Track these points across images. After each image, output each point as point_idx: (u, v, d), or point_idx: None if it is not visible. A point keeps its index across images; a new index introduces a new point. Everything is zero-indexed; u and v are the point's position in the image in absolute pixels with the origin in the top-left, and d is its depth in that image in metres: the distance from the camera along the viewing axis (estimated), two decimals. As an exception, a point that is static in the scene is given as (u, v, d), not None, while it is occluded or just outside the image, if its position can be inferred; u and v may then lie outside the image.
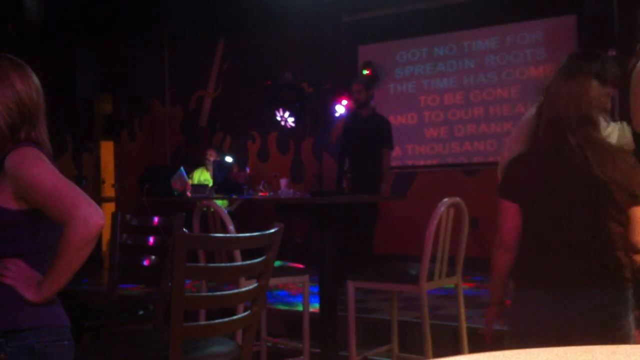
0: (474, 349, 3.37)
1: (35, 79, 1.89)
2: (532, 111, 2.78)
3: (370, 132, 6.02)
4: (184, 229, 2.97)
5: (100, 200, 8.96)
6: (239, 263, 2.97)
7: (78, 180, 7.92)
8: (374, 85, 6.57)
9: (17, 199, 1.76)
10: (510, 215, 2.31)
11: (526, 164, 2.30)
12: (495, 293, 2.42)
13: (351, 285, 3.50)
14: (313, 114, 8.34)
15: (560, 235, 2.19)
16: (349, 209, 4.24)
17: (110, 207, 8.97)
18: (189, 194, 4.98)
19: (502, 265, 2.35)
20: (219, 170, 5.21)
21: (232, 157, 7.60)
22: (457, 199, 3.44)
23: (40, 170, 1.76)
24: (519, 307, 2.28)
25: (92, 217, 1.71)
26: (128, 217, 3.36)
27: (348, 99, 6.71)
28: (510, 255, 2.31)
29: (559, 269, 2.18)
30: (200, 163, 8.00)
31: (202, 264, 3.17)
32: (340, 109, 7.46)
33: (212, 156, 7.79)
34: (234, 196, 4.67)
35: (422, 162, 7.91)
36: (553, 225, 2.21)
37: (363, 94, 6.04)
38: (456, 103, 7.75)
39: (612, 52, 5.67)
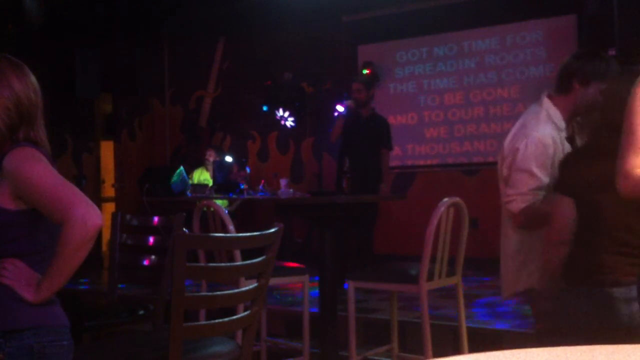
0: (474, 349, 3.37)
1: (33, 79, 1.88)
2: (534, 109, 2.78)
3: (370, 133, 6.01)
4: (184, 229, 2.97)
5: (100, 200, 8.96)
6: (239, 263, 2.97)
7: (78, 180, 7.93)
8: (374, 85, 6.55)
9: (15, 200, 1.76)
10: (563, 210, 2.31)
11: (579, 162, 2.33)
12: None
13: (351, 285, 3.50)
14: (313, 114, 8.34)
15: (604, 234, 2.21)
16: (349, 209, 4.23)
17: (110, 207, 8.97)
18: (189, 194, 4.99)
19: (554, 258, 2.36)
20: (219, 170, 5.21)
21: (232, 157, 7.60)
22: (457, 199, 3.44)
23: (38, 170, 1.76)
24: (564, 305, 2.28)
25: (90, 217, 1.71)
26: (128, 217, 3.35)
27: (347, 98, 6.71)
28: (563, 248, 2.31)
29: (602, 267, 2.20)
30: (200, 163, 8.00)
31: (202, 264, 3.17)
32: (340, 108, 7.46)
33: (211, 156, 7.79)
34: (234, 196, 4.67)
35: (422, 162, 7.91)
36: (600, 224, 2.23)
37: (363, 94, 6.02)
38: (456, 103, 7.75)
39: (612, 52, 5.67)
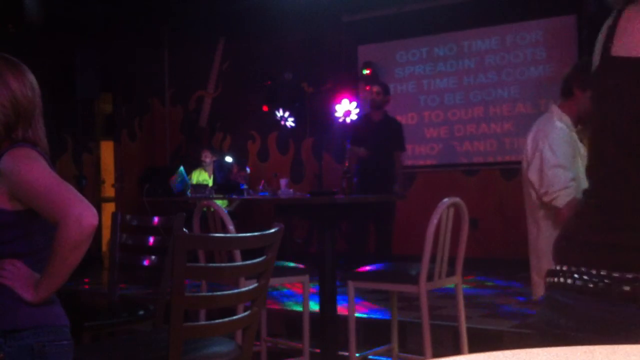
0: (474, 349, 3.37)
1: (31, 77, 1.88)
2: (545, 115, 2.92)
3: (384, 136, 6.09)
4: (184, 229, 2.97)
5: (100, 200, 8.96)
6: (239, 263, 2.97)
7: (78, 180, 7.93)
8: (390, 92, 6.60)
9: (11, 200, 1.76)
10: None
11: None
12: None
13: (351, 285, 3.50)
14: (313, 114, 8.35)
15: None
16: (362, 209, 4.24)
17: (110, 207, 8.97)
18: (189, 194, 4.99)
19: None
20: (219, 171, 5.22)
21: (232, 157, 7.60)
22: (457, 199, 3.44)
23: (33, 170, 1.75)
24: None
25: (85, 217, 1.70)
26: (128, 217, 3.35)
27: (350, 98, 6.72)
28: None
29: None
30: (200, 164, 8.01)
31: (202, 264, 3.17)
32: (339, 109, 7.45)
33: (207, 157, 7.79)
34: (234, 196, 4.67)
35: (422, 162, 7.91)
36: None
37: (381, 96, 6.14)
38: (456, 103, 7.76)
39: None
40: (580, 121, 2.86)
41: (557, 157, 2.74)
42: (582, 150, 2.87)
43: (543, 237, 2.90)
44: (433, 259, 3.30)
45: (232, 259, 3.34)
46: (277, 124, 8.57)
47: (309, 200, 4.04)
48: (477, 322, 4.50)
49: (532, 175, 2.84)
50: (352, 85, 8.02)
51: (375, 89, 6.21)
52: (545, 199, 2.79)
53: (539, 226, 2.91)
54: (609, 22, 1.23)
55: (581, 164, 2.86)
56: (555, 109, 2.90)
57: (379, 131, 6.09)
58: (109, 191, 9.30)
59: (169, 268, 2.91)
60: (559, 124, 2.83)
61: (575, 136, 2.85)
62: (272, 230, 2.12)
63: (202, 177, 7.72)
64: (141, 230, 3.55)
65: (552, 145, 2.76)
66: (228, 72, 9.28)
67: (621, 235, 1.15)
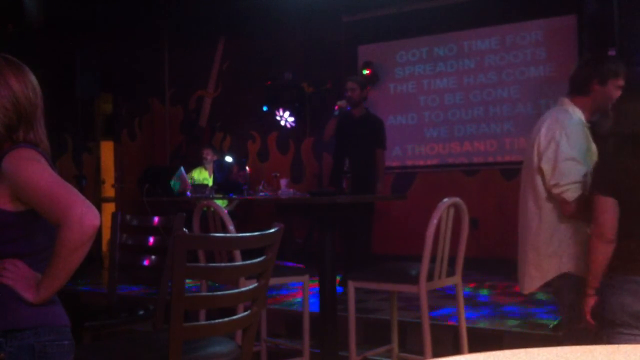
0: (474, 349, 3.37)
1: (32, 78, 1.88)
2: (559, 107, 2.94)
3: (364, 133, 6.02)
4: (184, 229, 2.97)
5: (100, 200, 8.96)
6: (239, 263, 2.97)
7: (78, 180, 7.92)
8: (368, 85, 6.54)
9: (13, 200, 1.76)
10: (608, 209, 2.45)
11: (616, 164, 2.49)
12: (593, 285, 2.52)
13: (351, 285, 3.50)
14: (313, 114, 8.35)
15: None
16: (349, 209, 4.23)
17: (110, 207, 8.97)
18: (189, 194, 4.98)
19: (602, 258, 2.47)
20: (219, 170, 5.21)
21: (232, 157, 7.59)
22: (457, 199, 3.44)
23: (35, 171, 1.75)
24: (617, 295, 2.42)
25: (87, 218, 1.70)
26: (128, 217, 3.36)
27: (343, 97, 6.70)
28: (610, 247, 2.45)
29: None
30: (199, 163, 8.01)
31: (202, 264, 3.17)
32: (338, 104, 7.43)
33: (208, 155, 7.78)
34: (234, 196, 4.67)
35: (422, 162, 7.91)
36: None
37: (356, 93, 6.02)
38: (456, 103, 7.75)
39: (612, 52, 5.67)
40: (597, 112, 2.89)
41: (573, 149, 2.74)
42: (594, 147, 2.86)
43: (545, 231, 2.87)
44: (433, 259, 3.30)
45: (232, 259, 3.34)
46: (277, 124, 8.58)
47: (309, 200, 4.04)
48: (477, 322, 4.50)
49: (545, 164, 2.79)
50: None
51: (349, 85, 6.08)
52: (555, 190, 2.77)
53: (542, 219, 2.88)
54: None
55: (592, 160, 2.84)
56: (567, 102, 2.90)
57: (359, 128, 6.02)
58: (109, 191, 9.30)
59: (169, 268, 2.91)
60: (575, 116, 2.83)
61: (587, 131, 2.85)
62: (272, 230, 2.12)
63: (202, 175, 7.72)
64: (141, 230, 3.55)
65: (569, 137, 2.75)
66: (228, 72, 9.28)
67: None
